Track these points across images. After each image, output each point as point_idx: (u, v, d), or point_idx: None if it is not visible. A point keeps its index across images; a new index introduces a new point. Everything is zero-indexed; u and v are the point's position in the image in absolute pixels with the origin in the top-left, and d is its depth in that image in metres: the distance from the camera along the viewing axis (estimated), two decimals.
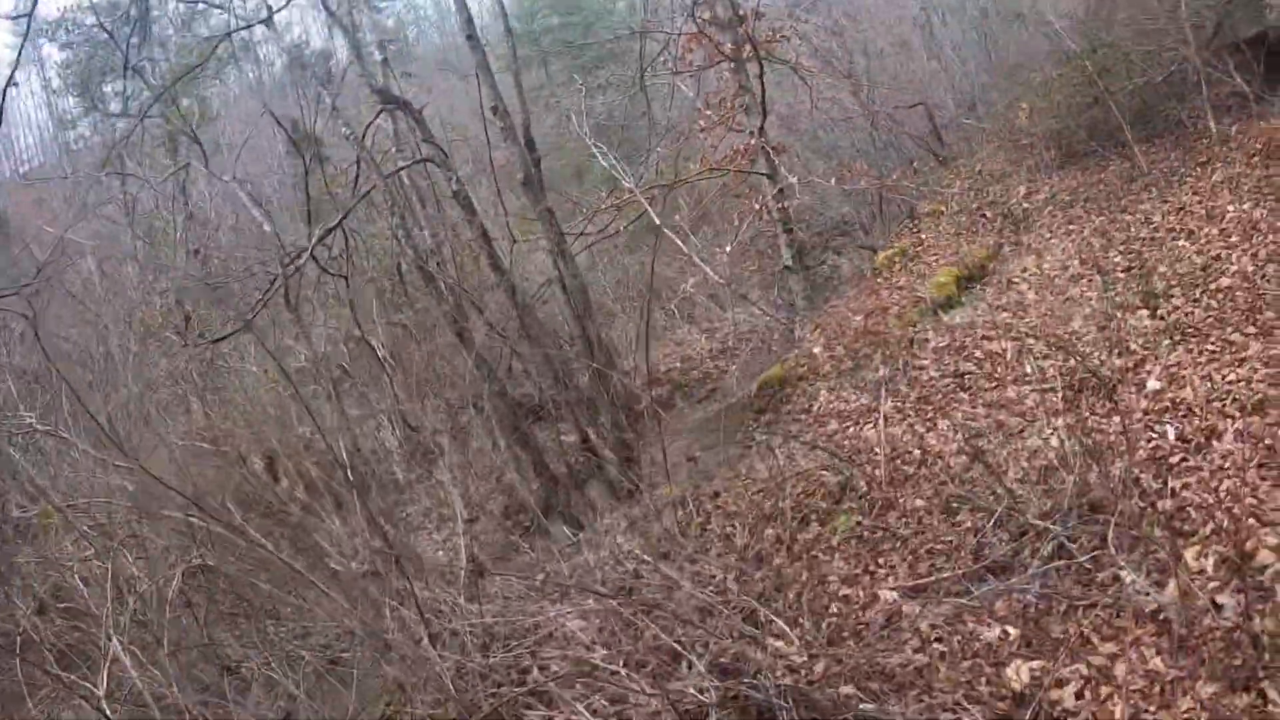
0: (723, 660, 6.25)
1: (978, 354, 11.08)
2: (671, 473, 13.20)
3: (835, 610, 7.23)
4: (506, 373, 15.36)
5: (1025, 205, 16.59)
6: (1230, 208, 11.76)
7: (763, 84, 17.02)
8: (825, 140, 22.83)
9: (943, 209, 18.18)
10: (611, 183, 19.25)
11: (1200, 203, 12.63)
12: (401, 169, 14.94)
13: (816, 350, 13.81)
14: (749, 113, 17.90)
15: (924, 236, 17.25)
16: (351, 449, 14.36)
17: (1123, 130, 15.50)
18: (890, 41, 24.38)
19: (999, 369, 10.50)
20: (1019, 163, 18.38)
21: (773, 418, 13.27)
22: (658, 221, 15.91)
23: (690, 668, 6.29)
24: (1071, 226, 14.42)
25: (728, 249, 16.73)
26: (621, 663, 6.54)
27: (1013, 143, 18.84)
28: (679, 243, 16.19)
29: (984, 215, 17.17)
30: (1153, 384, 8.90)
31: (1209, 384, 8.47)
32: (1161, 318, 10.02)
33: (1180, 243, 11.80)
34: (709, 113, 18.98)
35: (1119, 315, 10.45)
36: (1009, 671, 5.80)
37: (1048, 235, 14.68)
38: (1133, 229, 13.04)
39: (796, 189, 17.76)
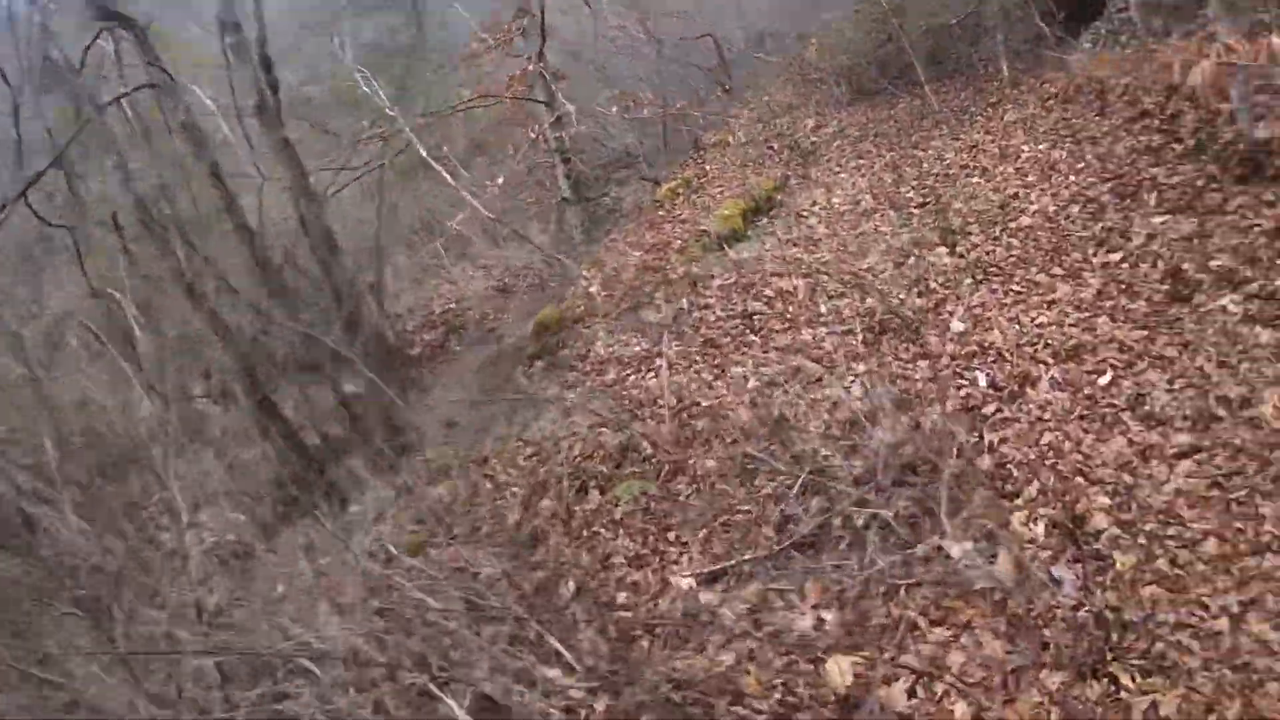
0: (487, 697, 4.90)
1: (767, 292, 10.13)
2: (440, 434, 11.79)
3: (623, 601, 6.06)
4: (261, 331, 13.18)
5: (813, 139, 15.90)
6: (1025, 148, 11.27)
7: (542, 6, 15.52)
8: (610, 69, 21.50)
9: (729, 140, 17.29)
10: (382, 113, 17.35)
11: (993, 141, 12.14)
12: (119, 98, 12.25)
13: (594, 289, 12.56)
14: (527, 37, 16.37)
15: (709, 168, 16.28)
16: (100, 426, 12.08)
17: (915, 69, 14.99)
18: None
19: (791, 309, 9.58)
20: (808, 97, 17.70)
21: (548, 365, 11.97)
22: (423, 154, 14.29)
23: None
24: (861, 161, 13.76)
25: (499, 181, 15.20)
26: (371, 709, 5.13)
27: (802, 77, 18.17)
28: (446, 176, 14.55)
29: (771, 148, 16.37)
30: (957, 325, 8.18)
31: (1017, 327, 7.79)
32: (961, 255, 9.35)
33: (975, 180, 11.23)
34: (484, 36, 17.32)
35: (916, 251, 9.74)
36: (829, 668, 4.79)
37: (837, 169, 13.96)
38: (925, 165, 12.45)
39: (575, 117, 16.41)
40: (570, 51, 20.79)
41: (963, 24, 15.19)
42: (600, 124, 17.94)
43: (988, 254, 9.18)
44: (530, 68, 16.38)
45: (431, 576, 6.19)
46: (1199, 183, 8.23)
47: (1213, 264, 7.20)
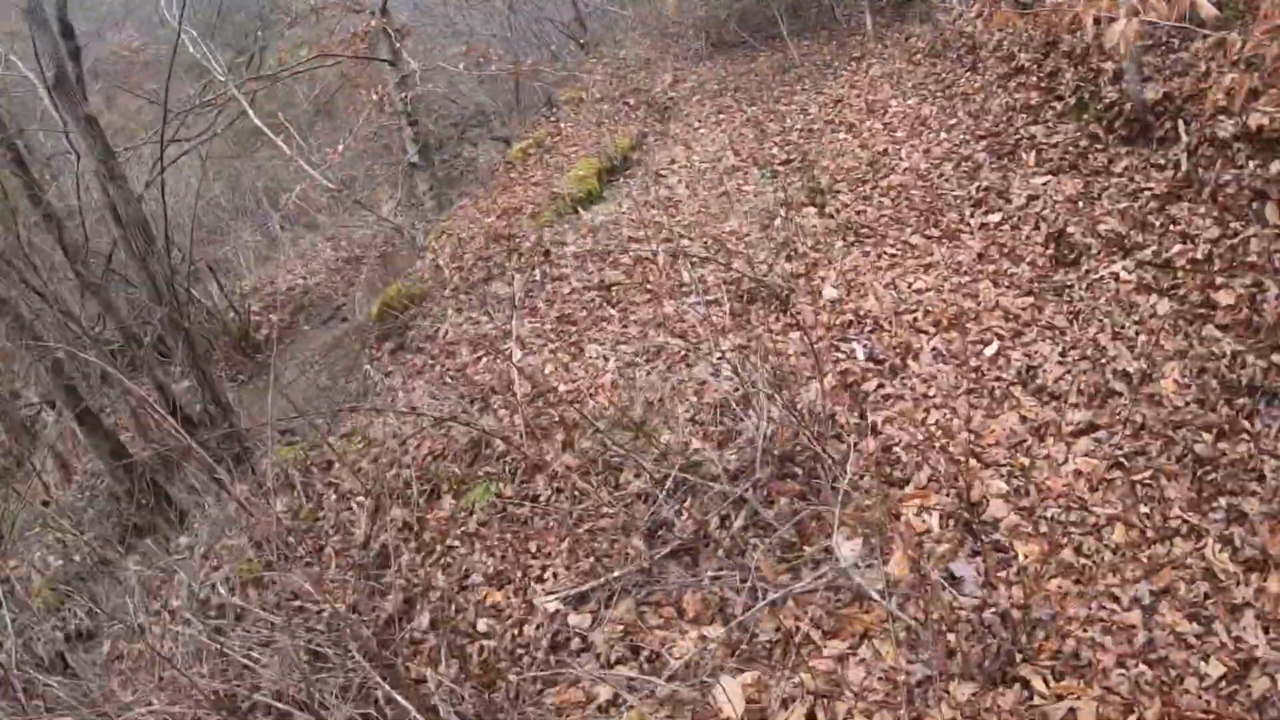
0: None
1: (625, 260, 9.43)
2: (282, 433, 10.68)
3: (485, 629, 5.28)
4: (76, 335, 11.53)
5: (671, 95, 15.23)
6: (894, 103, 10.85)
7: None
8: (460, 24, 20.41)
9: (583, 96, 16.46)
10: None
11: (859, 96, 11.70)
12: None
13: (441, 261, 11.65)
14: None
15: (563, 126, 15.43)
16: None
17: (776, 23, 14.49)
18: None
19: (652, 278, 8.90)
20: (665, 51, 17.00)
21: (396, 347, 11.03)
22: (256, 122, 13.06)
23: None
24: (722, 117, 13.15)
25: (340, 148, 14.03)
26: None
27: (659, 31, 17.43)
28: (282, 145, 13.34)
29: (627, 104, 15.64)
30: (830, 291, 7.66)
31: (894, 293, 7.31)
32: (831, 215, 8.84)
33: (842, 136, 10.77)
34: None
35: (783, 213, 9.18)
36: (719, 694, 4.16)
37: (696, 125, 13.33)
38: (789, 120, 11.93)
39: (420, 76, 15.32)
40: (419, 5, 19.64)
41: None
42: (450, 82, 16.83)
43: (859, 214, 8.70)
44: (373, 24, 15.22)
45: (269, 624, 5.29)
46: (1082, 143, 7.79)
47: (1101, 228, 6.80)
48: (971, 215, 7.86)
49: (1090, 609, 4.43)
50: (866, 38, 13.54)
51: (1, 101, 12.36)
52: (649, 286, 8.78)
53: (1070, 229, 6.97)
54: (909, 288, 7.33)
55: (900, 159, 9.40)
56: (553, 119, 15.90)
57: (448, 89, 18.40)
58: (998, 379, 6.04)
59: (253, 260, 19.18)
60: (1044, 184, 7.63)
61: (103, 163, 10.19)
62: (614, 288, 9.02)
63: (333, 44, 16.10)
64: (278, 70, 15.49)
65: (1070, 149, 7.81)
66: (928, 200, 8.39)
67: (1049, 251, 6.99)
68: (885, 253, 7.94)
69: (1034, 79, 8.96)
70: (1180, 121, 7.02)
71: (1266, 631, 4.17)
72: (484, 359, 9.09)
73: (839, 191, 9.23)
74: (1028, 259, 7.04)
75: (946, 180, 8.55)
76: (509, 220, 12.00)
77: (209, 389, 10.73)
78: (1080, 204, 7.22)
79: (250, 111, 13.15)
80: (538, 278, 9.93)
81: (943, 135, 9.37)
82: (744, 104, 13.27)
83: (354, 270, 17.31)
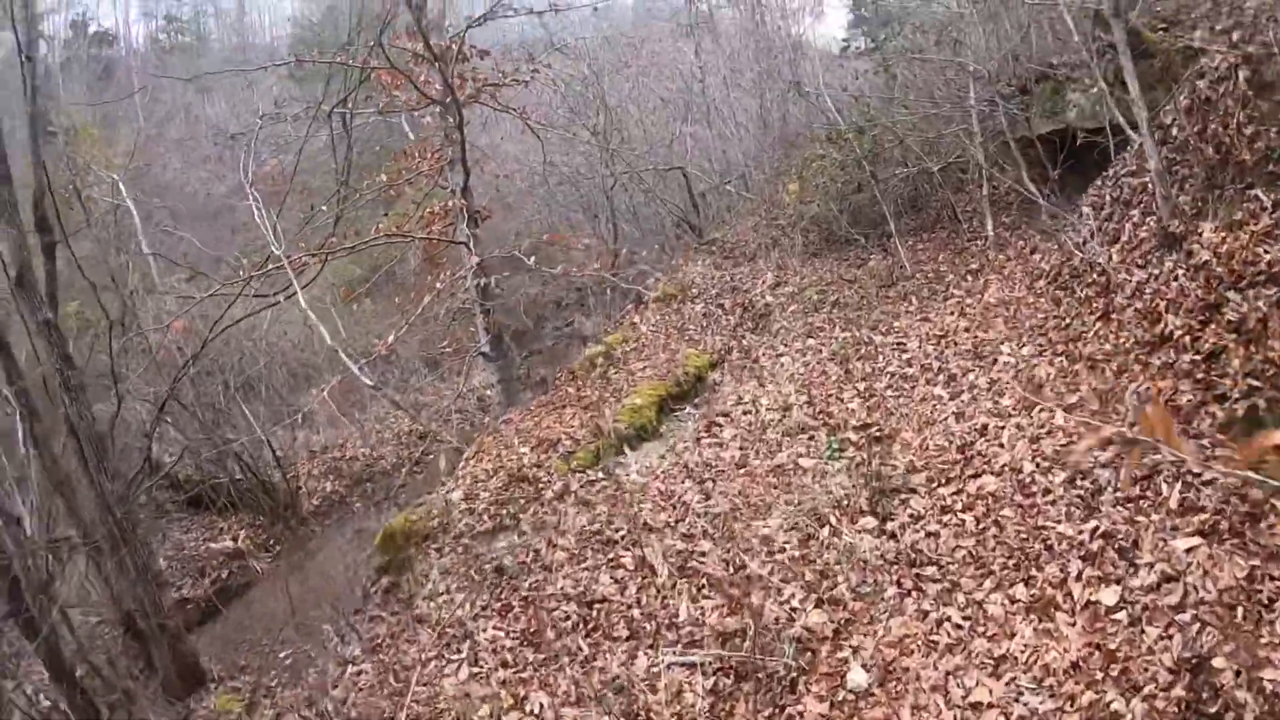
0: None
1: (627, 560, 7.12)
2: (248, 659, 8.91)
3: None
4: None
5: (769, 298, 13.05)
6: (1005, 348, 8.33)
7: (463, 136, 12.93)
8: (563, 200, 18.98)
9: (676, 293, 14.44)
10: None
11: (968, 331, 9.23)
12: None
13: (455, 495, 9.66)
14: (453, 168, 13.78)
15: (645, 328, 13.38)
16: None
17: (888, 220, 12.25)
18: (654, 98, 20.59)
19: (643, 601, 6.55)
20: (775, 243, 14.90)
21: (386, 594, 9.08)
22: (303, 305, 11.59)
23: None
24: (810, 342, 10.82)
25: (390, 339, 12.35)
26: None
27: (770, 221, 15.38)
28: (323, 333, 11.80)
29: (721, 306, 13.56)
30: (858, 677, 5.17)
31: (943, 698, 4.73)
32: (893, 535, 6.32)
33: (937, 392, 8.27)
34: (417, 160, 14.77)
35: (835, 518, 6.70)
36: None
37: (781, 349, 11.04)
38: (881, 358, 9.54)
39: (491, 279, 13.71)
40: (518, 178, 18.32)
41: (946, 170, 12.48)
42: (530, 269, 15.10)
43: (928, 537, 6.15)
44: (452, 203, 13.77)
45: None
46: (1252, 494, 4.89)
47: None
48: (1077, 578, 5.18)
49: None
50: (987, 244, 11.19)
51: None
52: (634, 617, 6.42)
53: (1220, 662, 4.23)
54: (965, 698, 4.73)
55: (1000, 447, 6.81)
56: (638, 316, 13.90)
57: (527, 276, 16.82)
58: None
59: (324, 419, 17.64)
60: (1188, 552, 4.89)
61: (59, 372, 8.69)
62: (597, 605, 6.72)
63: (410, 222, 14.78)
64: (354, 244, 14.12)
65: (1233, 498, 5.04)
66: (1022, 533, 5.75)
67: (1183, 693, 4.25)
68: (949, 619, 5.34)
69: (1186, 358, 6.24)
70: None
71: None
72: (434, 661, 6.97)
73: (913, 492, 6.69)
74: (1149, 691, 4.34)
75: (1053, 503, 5.87)
76: (542, 455, 9.93)
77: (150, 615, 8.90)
78: (1242, 613, 4.46)
79: (300, 294, 11.65)
80: (536, 550, 7.85)
81: (1058, 420, 6.72)
82: (839, 324, 10.93)
83: (423, 448, 15.69)
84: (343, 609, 9.62)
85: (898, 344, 9.72)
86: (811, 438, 8.33)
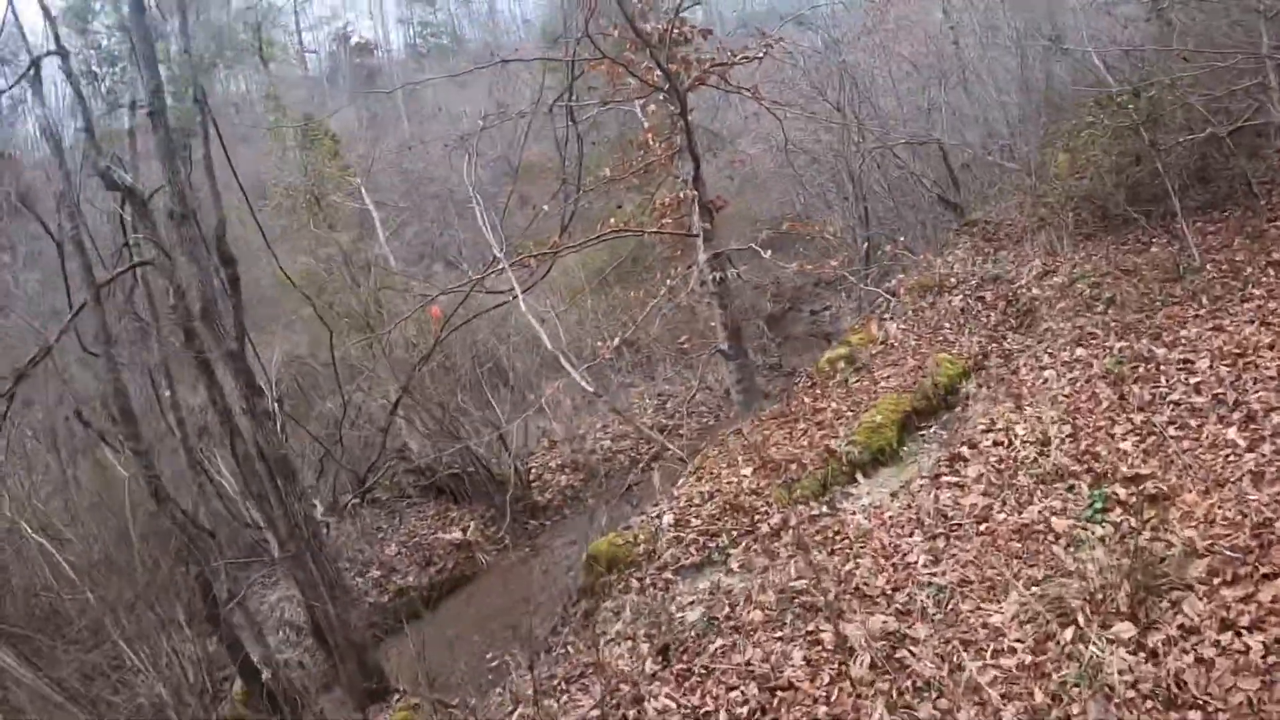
0: None
1: (825, 638, 6.14)
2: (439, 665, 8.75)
3: None
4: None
5: (1035, 291, 11.46)
6: None
7: (687, 123, 12.16)
8: (812, 181, 17.71)
9: (933, 284, 13.01)
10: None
11: (1272, 350, 7.47)
12: (109, 281, 9.52)
13: (666, 519, 9.00)
14: (682, 156, 13.03)
15: (895, 325, 12.12)
16: None
17: (1170, 196, 10.31)
18: (901, 67, 18.67)
19: (832, 697, 5.58)
20: (1044, 223, 13.12)
21: (583, 620, 8.68)
22: (526, 314, 11.31)
23: None
24: (1080, 352, 9.21)
25: (614, 343, 11.79)
26: None
27: (1037, 198, 13.54)
28: (543, 336, 11.44)
29: (982, 298, 12.07)
30: None
31: None
32: (1153, 654, 4.98)
33: (1230, 435, 6.68)
34: (643, 151, 14.10)
35: (1082, 614, 5.42)
36: None
37: (1046, 357, 9.52)
38: (1163, 378, 7.91)
39: (726, 273, 12.90)
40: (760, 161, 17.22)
41: (1239, 132, 10.32)
42: (768, 264, 14.05)
43: (1198, 665, 4.78)
44: (685, 194, 13.06)
45: None
46: None
47: None
48: None
49: None
50: None
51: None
52: (822, 711, 5.48)
53: None
54: None
55: None
56: (883, 317, 12.62)
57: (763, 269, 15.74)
58: None
59: (568, 407, 17.45)
60: None
61: (245, 399, 8.74)
62: (781, 694, 5.81)
63: (644, 214, 14.18)
64: (579, 243, 13.75)
65: None
66: None
67: None
68: None
69: None
70: None
71: None
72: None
73: (1188, 589, 5.29)
74: None
75: None
76: (764, 479, 9.09)
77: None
78: None
79: (522, 299, 11.41)
80: (731, 601, 7.05)
81: None
82: (1114, 331, 9.27)
83: (674, 431, 15.16)
84: (542, 626, 9.30)
85: (1184, 362, 8.04)
86: (1071, 487, 6.95)
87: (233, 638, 8.84)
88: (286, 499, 8.45)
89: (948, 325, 11.71)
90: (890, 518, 7.57)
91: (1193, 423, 7.11)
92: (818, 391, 10.96)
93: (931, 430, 9.45)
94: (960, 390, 10.00)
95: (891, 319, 12.39)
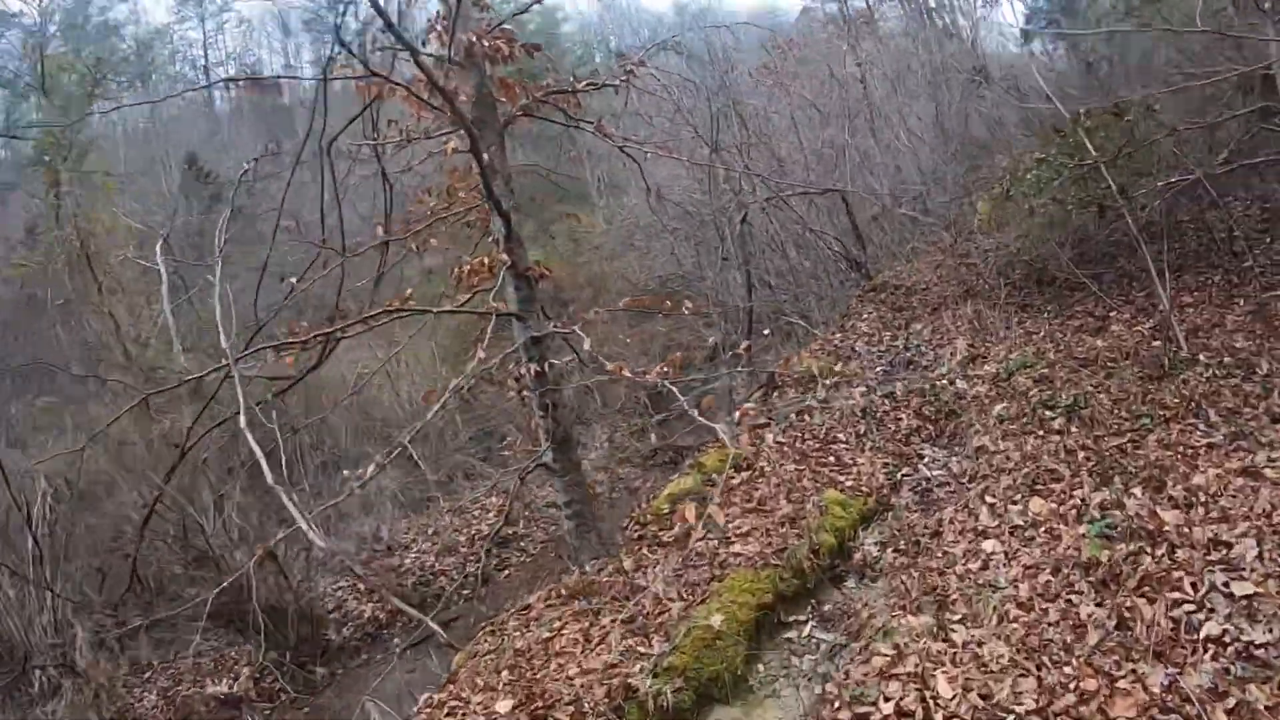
0: None
1: None
2: None
3: None
4: None
5: (961, 384, 8.01)
6: None
7: (483, 169, 8.22)
8: (689, 237, 14.30)
9: (827, 370, 9.43)
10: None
11: None
12: None
13: None
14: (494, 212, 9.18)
15: (768, 438, 8.38)
16: None
17: (1139, 249, 6.95)
18: (804, 110, 15.33)
19: None
20: (966, 291, 9.67)
21: None
22: (252, 446, 7.59)
23: None
24: (1035, 506, 5.62)
25: (367, 473, 7.87)
26: None
27: (959, 258, 10.11)
28: (264, 465, 7.58)
29: (892, 393, 8.56)
30: None
31: None
32: None
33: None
34: (449, 202, 10.37)
35: None
36: None
37: (985, 511, 5.91)
38: (1187, 582, 4.35)
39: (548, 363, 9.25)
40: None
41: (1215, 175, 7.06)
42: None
43: None
44: (493, 256, 9.35)
45: None
46: None
47: None
48: None
49: None
50: None
51: None
52: None
53: None
54: None
55: None
56: (760, 419, 8.92)
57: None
58: None
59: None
60: None
61: None
62: None
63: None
64: (352, 320, 9.77)
65: None
66: None
67: None
68: None
69: None
70: None
71: None
72: None
73: None
74: None
75: None
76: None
77: None
78: None
79: (247, 434, 7.70)
80: None
81: None
82: (1085, 465, 5.74)
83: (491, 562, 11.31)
84: None
85: (1213, 543, 4.49)
86: None
87: None
88: None
89: (843, 436, 8.12)
90: None
91: (1257, 693, 3.53)
92: (644, 554, 7.12)
93: (805, 632, 5.76)
94: (856, 550, 6.39)
95: (768, 423, 8.75)
